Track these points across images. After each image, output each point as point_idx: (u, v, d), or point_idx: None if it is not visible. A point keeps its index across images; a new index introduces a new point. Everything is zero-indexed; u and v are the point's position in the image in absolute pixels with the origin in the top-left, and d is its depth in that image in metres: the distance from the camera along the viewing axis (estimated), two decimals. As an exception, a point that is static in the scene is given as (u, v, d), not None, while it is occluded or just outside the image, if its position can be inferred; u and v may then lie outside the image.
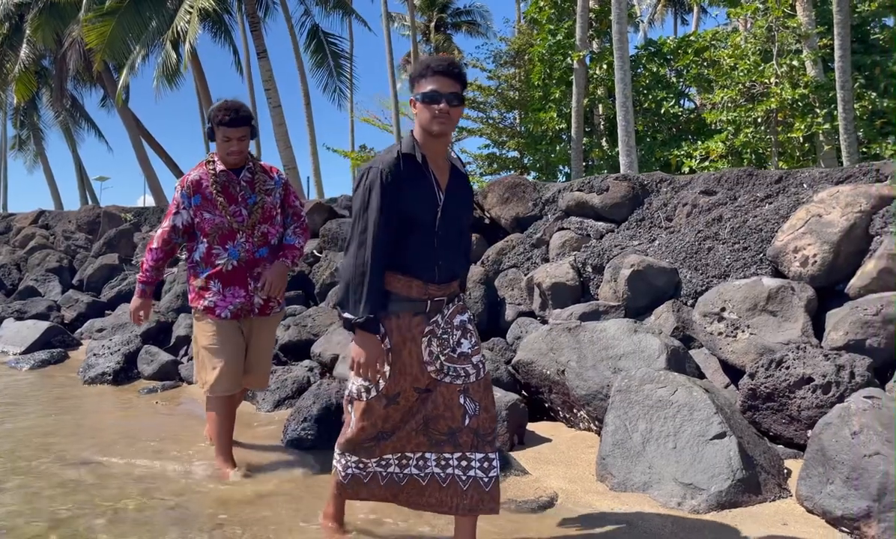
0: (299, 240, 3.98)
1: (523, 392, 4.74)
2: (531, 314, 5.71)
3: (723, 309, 4.35)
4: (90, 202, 26.45)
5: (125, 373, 6.04)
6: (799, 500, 3.09)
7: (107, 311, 8.49)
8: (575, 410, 4.39)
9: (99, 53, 14.33)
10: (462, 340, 2.59)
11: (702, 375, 4.37)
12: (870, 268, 4.22)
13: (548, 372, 4.50)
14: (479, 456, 2.53)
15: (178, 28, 13.16)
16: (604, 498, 3.33)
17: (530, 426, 4.39)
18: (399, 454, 2.60)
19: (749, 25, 15.64)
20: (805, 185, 5.28)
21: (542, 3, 16.85)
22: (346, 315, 2.41)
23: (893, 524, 2.72)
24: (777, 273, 4.69)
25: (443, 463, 2.56)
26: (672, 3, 27.65)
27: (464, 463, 2.53)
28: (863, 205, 4.51)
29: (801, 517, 3.01)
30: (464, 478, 2.52)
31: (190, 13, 12.96)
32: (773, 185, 5.47)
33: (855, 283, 4.29)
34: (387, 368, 2.50)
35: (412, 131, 2.56)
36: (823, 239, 4.44)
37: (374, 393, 2.54)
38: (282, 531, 2.99)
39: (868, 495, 2.80)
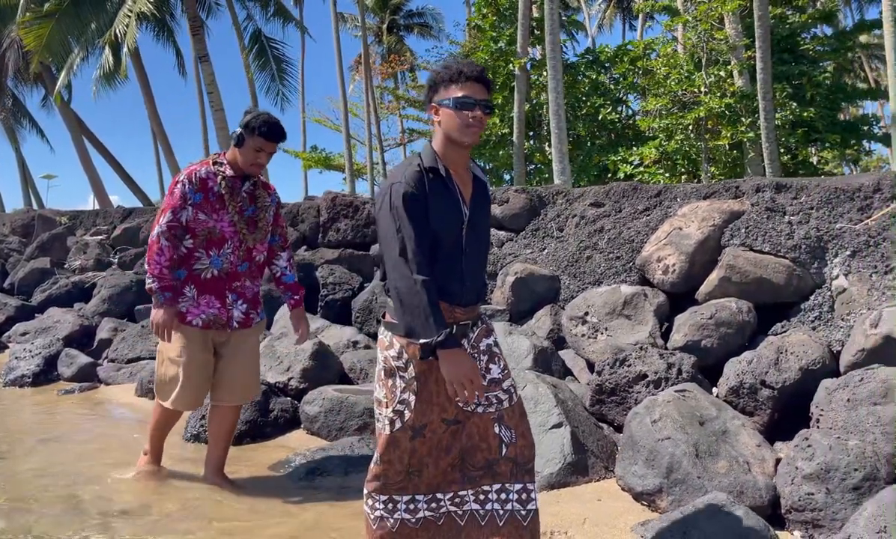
0: (296, 274, 4.00)
1: (413, 390, 5.23)
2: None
3: (586, 313, 4.90)
4: (33, 201, 26.30)
5: (45, 375, 6.39)
6: (616, 480, 3.63)
7: (37, 315, 8.75)
8: (454, 406, 4.89)
9: (37, 55, 14.50)
10: (490, 366, 2.49)
11: (569, 373, 4.91)
12: (713, 276, 4.81)
13: (431, 371, 4.99)
14: (518, 486, 2.44)
15: (117, 31, 13.40)
16: (455, 481, 3.82)
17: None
18: (430, 496, 2.46)
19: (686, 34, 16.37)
20: (679, 200, 5.87)
21: (485, 10, 17.38)
22: (423, 341, 2.25)
23: (678, 497, 3.26)
24: (644, 280, 5.26)
25: (482, 497, 2.45)
26: (620, 9, 28.53)
27: (502, 495, 2.44)
28: (716, 219, 5.10)
29: (615, 494, 3.55)
30: (501, 512, 2.43)
31: (129, 17, 13.21)
32: (653, 198, 6.05)
33: (702, 289, 4.86)
34: (412, 398, 2.38)
35: (430, 142, 2.45)
36: (681, 250, 5.01)
37: (399, 425, 2.39)
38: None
39: (660, 473, 3.35)
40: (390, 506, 2.43)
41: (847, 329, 4.22)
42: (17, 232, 11.85)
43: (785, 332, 4.39)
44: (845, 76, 24.72)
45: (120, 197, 44.64)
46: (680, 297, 5.02)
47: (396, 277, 2.28)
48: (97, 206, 19.18)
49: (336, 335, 5.93)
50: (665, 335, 4.72)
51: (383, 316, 2.52)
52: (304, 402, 4.78)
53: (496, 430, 2.43)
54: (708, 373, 4.39)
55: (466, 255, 2.41)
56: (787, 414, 3.91)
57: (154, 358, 6.17)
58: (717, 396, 4.15)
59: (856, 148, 17.39)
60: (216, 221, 3.63)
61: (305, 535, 3.23)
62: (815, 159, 17.83)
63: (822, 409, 3.58)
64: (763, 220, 4.95)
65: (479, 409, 2.44)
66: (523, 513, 2.42)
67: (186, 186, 3.60)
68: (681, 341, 4.46)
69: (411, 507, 2.45)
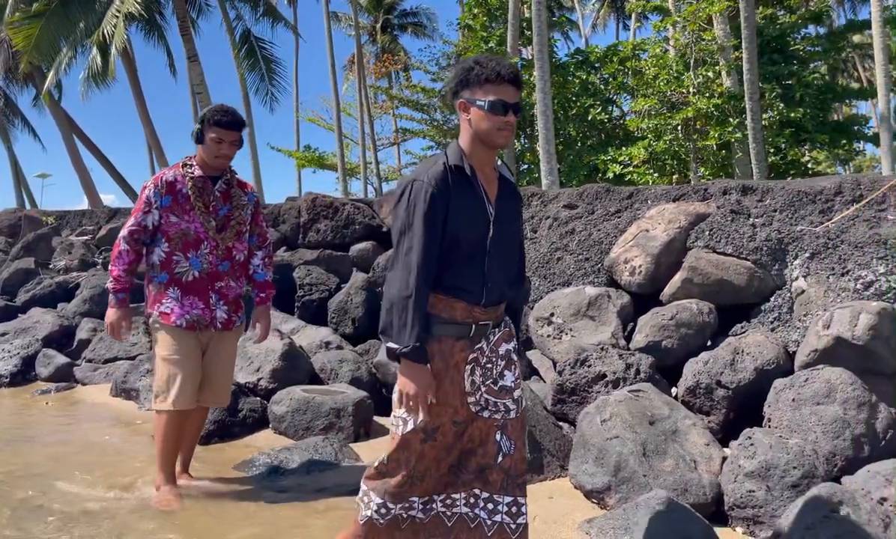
0: (269, 273, 4.00)
1: (383, 390, 5.32)
2: (406, 318, 6.28)
3: (552, 314, 4.98)
4: (26, 201, 26.38)
5: (22, 375, 6.48)
6: (570, 478, 3.72)
7: (19, 315, 8.83)
8: (421, 406, 4.97)
9: (26, 55, 14.57)
10: (505, 372, 2.45)
11: (535, 372, 5.00)
12: (676, 278, 4.89)
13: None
14: (508, 499, 2.40)
15: (106, 32, 13.47)
16: (413, 480, 3.91)
17: (385, 420, 4.95)
18: (426, 498, 2.43)
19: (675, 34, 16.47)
20: (649, 202, 5.95)
21: (475, 10, 17.46)
22: (391, 344, 2.24)
23: (625, 495, 3.35)
24: (612, 281, 5.34)
25: (472, 500, 2.42)
26: (614, 8, 28.62)
27: (490, 505, 2.40)
28: (682, 221, 5.18)
29: (567, 492, 3.63)
30: (489, 522, 2.39)
31: (117, 17, 13.29)
32: (625, 200, 6.13)
33: (666, 291, 4.95)
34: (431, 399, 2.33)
35: (457, 140, 2.39)
36: (647, 251, 5.09)
37: (411, 426, 2.33)
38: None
39: (608, 472, 3.43)
40: (383, 511, 2.38)
41: (804, 330, 4.31)
42: (4, 232, 11.92)
43: (744, 332, 4.48)
44: (839, 76, 24.84)
45: (116, 196, 44.63)
46: (647, 298, 5.10)
47: (394, 276, 2.25)
48: (88, 207, 19.22)
49: (311, 335, 6.02)
50: (631, 336, 4.80)
51: None
52: (272, 402, 4.85)
53: (497, 437, 2.40)
54: (669, 373, 4.47)
55: (490, 254, 2.34)
56: (743, 413, 3.99)
57: (131, 358, 6.29)
58: (676, 396, 4.24)
59: (846, 148, 17.44)
60: (188, 223, 3.65)
61: (261, 535, 3.30)
62: (807, 159, 17.90)
63: (772, 409, 3.66)
64: (727, 222, 5.03)
65: (486, 414, 2.40)
66: (513, 527, 2.39)
67: (152, 191, 3.64)
68: (642, 342, 4.55)
69: (405, 506, 2.41)
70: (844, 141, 16.79)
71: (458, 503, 2.43)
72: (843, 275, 4.44)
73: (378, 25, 28.67)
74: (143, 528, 3.34)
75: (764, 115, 13.26)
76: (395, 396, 2.39)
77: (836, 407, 3.38)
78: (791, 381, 3.61)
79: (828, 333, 3.87)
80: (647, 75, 15.09)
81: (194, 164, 3.74)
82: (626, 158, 15.23)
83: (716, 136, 13.83)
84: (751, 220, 5.06)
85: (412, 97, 22.04)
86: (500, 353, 2.43)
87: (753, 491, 3.17)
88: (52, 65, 15.38)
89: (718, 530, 3.17)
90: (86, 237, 10.64)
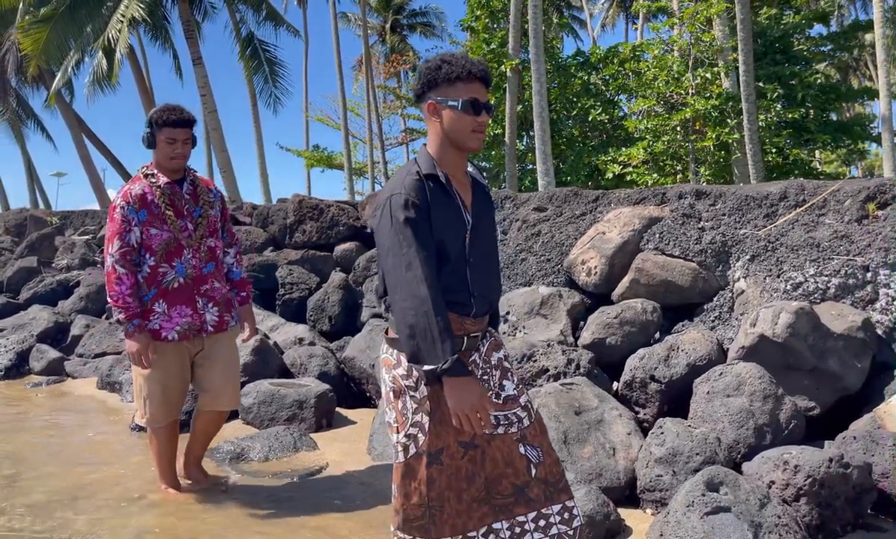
0: (243, 270, 4.06)
1: (351, 383, 5.66)
2: (380, 316, 6.62)
3: (508, 312, 5.29)
4: (40, 200, 27.05)
5: (17, 369, 6.91)
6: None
7: (21, 312, 9.28)
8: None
9: (34, 59, 15.10)
10: (504, 382, 2.35)
11: (492, 369, 5.30)
12: (625, 279, 5.19)
13: (364, 366, 5.42)
14: (557, 508, 2.28)
15: (110, 36, 13.95)
16: (361, 465, 4.26)
17: (349, 412, 5.31)
18: (460, 536, 2.24)
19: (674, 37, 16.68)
20: (613, 205, 6.24)
21: (478, 12, 17.76)
22: (427, 368, 2.08)
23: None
24: (570, 282, 5.64)
25: (517, 530, 2.26)
26: (623, 8, 28.82)
27: (542, 522, 2.26)
28: (636, 224, 5.48)
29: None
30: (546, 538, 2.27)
31: (122, 22, 13.76)
32: (590, 203, 6.42)
33: (616, 291, 5.25)
34: (425, 419, 2.20)
35: (425, 146, 2.29)
36: (602, 253, 5.39)
37: (413, 450, 2.20)
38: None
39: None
40: None
41: (738, 328, 4.59)
42: (11, 232, 12.44)
43: (684, 330, 4.76)
44: (850, 76, 24.85)
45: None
46: (602, 297, 5.41)
47: (403, 297, 2.08)
48: (98, 206, 19.74)
49: (288, 332, 6.38)
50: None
51: (386, 332, 2.35)
52: (241, 395, 5.20)
53: (521, 450, 2.27)
54: (614, 368, 4.77)
55: (470, 264, 2.26)
56: (675, 406, 4.28)
57: (119, 353, 6.68)
58: (616, 390, 4.54)
59: (851, 148, 17.55)
60: (169, 231, 3.64)
61: (208, 517, 3.65)
62: (811, 159, 18.00)
63: (693, 402, 3.96)
64: (677, 225, 5.32)
65: (500, 430, 2.27)
66: (570, 533, 2.28)
67: (126, 208, 3.59)
68: (589, 339, 4.85)
69: None
70: (850, 141, 16.89)
71: (503, 536, 2.26)
72: (778, 276, 4.72)
73: (387, 26, 29.09)
74: (116, 509, 3.70)
75: (761, 116, 13.45)
76: (388, 419, 2.28)
77: (744, 399, 3.67)
78: (707, 376, 3.90)
79: (753, 331, 4.15)
80: (647, 76, 15.32)
81: (156, 172, 3.71)
82: (626, 159, 15.47)
83: (713, 136, 14.04)
84: (700, 223, 5.34)
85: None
86: (493, 362, 2.36)
87: (661, 475, 3.47)
88: (60, 68, 15.91)
89: (631, 511, 3.50)
90: (87, 237, 11.10)
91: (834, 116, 19.59)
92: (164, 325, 3.64)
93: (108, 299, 3.60)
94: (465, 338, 2.26)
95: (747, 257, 4.95)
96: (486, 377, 2.32)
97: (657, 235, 5.33)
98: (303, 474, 4.18)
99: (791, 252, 4.78)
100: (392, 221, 2.13)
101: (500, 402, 2.32)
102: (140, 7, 13.54)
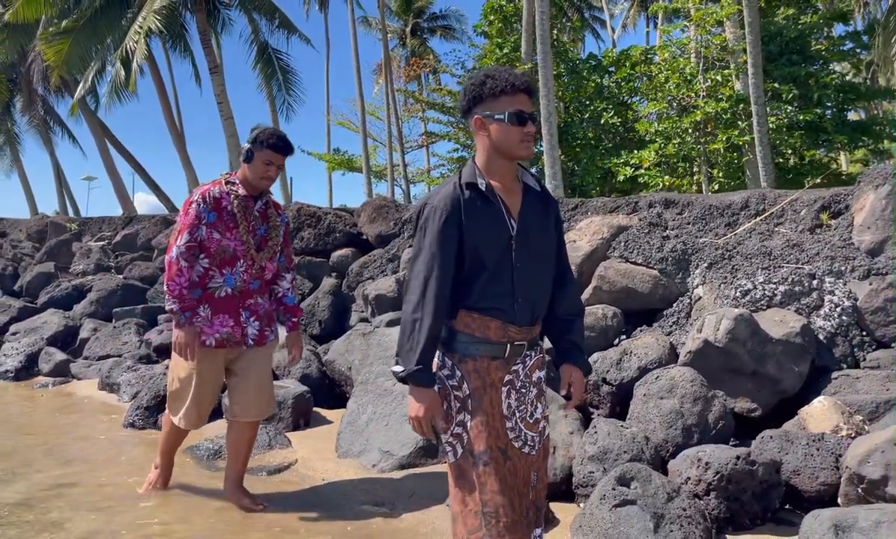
0: (296, 295, 4.17)
1: (333, 385, 6.00)
2: (367, 320, 6.96)
3: (478, 318, 5.58)
4: (68, 206, 27.92)
5: (26, 370, 7.40)
6: (457, 462, 4.33)
7: (35, 316, 9.80)
8: (359, 400, 5.64)
9: (56, 69, 15.75)
10: (538, 403, 2.39)
11: (463, 372, 5.60)
12: (590, 286, 5.45)
13: (342, 368, 5.76)
14: (538, 532, 2.36)
15: (129, 47, 14.52)
16: (327, 463, 4.59)
17: (328, 412, 5.65)
18: None
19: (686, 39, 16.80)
20: (590, 213, 6.50)
21: (491, 17, 18.07)
22: (395, 369, 2.23)
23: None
24: (543, 288, 5.91)
25: None
26: (644, 8, 28.87)
27: None
28: (605, 233, 5.74)
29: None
30: None
31: (139, 33, 14.32)
32: (570, 211, 6.69)
33: (582, 297, 5.51)
34: (468, 418, 2.26)
35: (473, 158, 2.37)
36: (572, 261, 5.65)
37: (460, 450, 2.27)
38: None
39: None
40: None
41: (691, 333, 4.83)
42: (32, 238, 13.03)
43: (641, 335, 5.02)
44: (878, 75, 24.56)
45: (156, 197, 46.36)
46: (573, 303, 5.66)
47: (408, 299, 2.25)
48: (122, 211, 20.40)
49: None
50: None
51: None
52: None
53: (532, 477, 2.34)
54: (574, 372, 5.03)
55: (517, 270, 2.28)
56: (626, 407, 4.54)
57: (120, 355, 7.11)
58: (573, 393, 4.80)
59: (871, 148, 17.48)
60: (229, 240, 3.76)
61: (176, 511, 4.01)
62: (843, 160, 17.93)
63: (633, 403, 4.22)
64: (643, 234, 5.57)
65: (526, 449, 2.32)
66: None
67: (201, 206, 3.73)
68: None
69: None
70: (871, 141, 16.82)
71: None
72: (731, 283, 4.95)
73: (408, 29, 29.51)
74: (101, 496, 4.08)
75: (773, 118, 13.54)
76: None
77: (675, 400, 3.93)
78: (645, 380, 4.17)
79: (699, 337, 4.40)
80: (658, 79, 15.48)
81: (237, 182, 3.85)
82: (637, 161, 15.64)
83: (723, 139, 14.16)
84: (666, 231, 5.59)
85: (440, 100, 22.77)
86: (533, 379, 2.37)
87: (593, 472, 3.74)
88: (83, 78, 16.55)
89: (564, 505, 3.78)
90: (103, 243, 11.62)
91: (861, 115, 19.43)
92: (206, 329, 3.77)
93: (165, 288, 3.73)
94: (508, 345, 2.29)
95: (705, 265, 5.19)
96: (523, 389, 2.34)
97: (622, 243, 5.58)
98: (271, 470, 4.52)
99: (745, 260, 5.01)
100: (419, 228, 2.29)
101: (531, 421, 2.35)
102: (157, 19, 14.09)
